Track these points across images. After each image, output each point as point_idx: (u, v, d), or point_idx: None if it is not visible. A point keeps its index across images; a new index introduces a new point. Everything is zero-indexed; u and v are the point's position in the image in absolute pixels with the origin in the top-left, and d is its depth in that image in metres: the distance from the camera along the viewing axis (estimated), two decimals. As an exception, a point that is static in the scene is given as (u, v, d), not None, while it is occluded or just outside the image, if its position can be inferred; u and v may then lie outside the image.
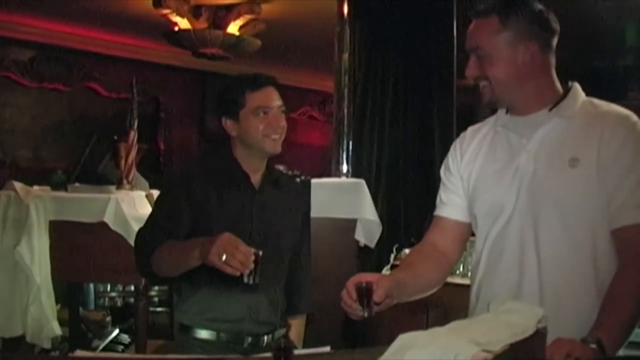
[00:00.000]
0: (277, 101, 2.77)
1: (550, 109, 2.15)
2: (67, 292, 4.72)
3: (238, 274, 2.36)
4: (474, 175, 2.27)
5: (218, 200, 2.70)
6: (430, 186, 5.84)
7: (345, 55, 5.74)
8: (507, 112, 2.24)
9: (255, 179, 2.80)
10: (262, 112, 2.73)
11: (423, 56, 5.91)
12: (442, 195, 2.39)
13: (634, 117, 2.12)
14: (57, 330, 4.05)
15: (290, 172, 3.05)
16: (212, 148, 11.14)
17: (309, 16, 7.76)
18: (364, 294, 2.03)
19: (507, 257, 2.15)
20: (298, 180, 3.02)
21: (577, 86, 2.21)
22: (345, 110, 5.74)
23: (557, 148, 2.11)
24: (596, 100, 2.19)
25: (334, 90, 5.83)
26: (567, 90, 2.19)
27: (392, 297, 2.11)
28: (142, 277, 3.50)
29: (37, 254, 3.93)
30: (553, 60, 2.20)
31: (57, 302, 4.12)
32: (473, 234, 2.36)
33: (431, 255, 2.34)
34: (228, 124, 2.78)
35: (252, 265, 2.35)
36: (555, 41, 2.19)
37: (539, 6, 2.15)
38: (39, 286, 3.93)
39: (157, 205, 2.85)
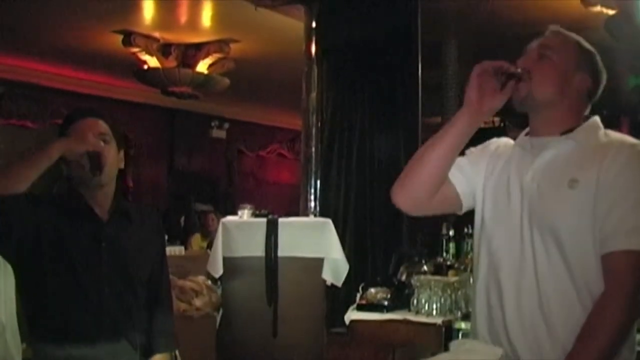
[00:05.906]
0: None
1: (562, 134, 2.17)
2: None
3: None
4: (490, 181, 2.27)
5: (64, 231, 2.53)
6: (397, 225, 5.90)
7: (313, 95, 5.81)
8: (527, 134, 2.25)
9: (102, 210, 2.62)
10: None
11: (389, 96, 5.99)
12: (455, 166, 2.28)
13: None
14: (22, 369, 4.01)
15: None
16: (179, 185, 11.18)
17: (277, 56, 7.85)
18: None
19: (506, 265, 2.14)
20: (150, 211, 2.90)
21: (596, 118, 2.23)
22: (313, 149, 5.80)
23: (560, 169, 2.12)
24: (612, 132, 2.20)
25: (302, 129, 5.89)
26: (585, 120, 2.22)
27: None
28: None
29: (2, 292, 3.90)
30: (589, 107, 2.23)
31: (22, 340, 4.09)
32: None
33: None
34: None
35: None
36: (599, 92, 2.23)
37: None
38: (4, 325, 3.89)
39: None
